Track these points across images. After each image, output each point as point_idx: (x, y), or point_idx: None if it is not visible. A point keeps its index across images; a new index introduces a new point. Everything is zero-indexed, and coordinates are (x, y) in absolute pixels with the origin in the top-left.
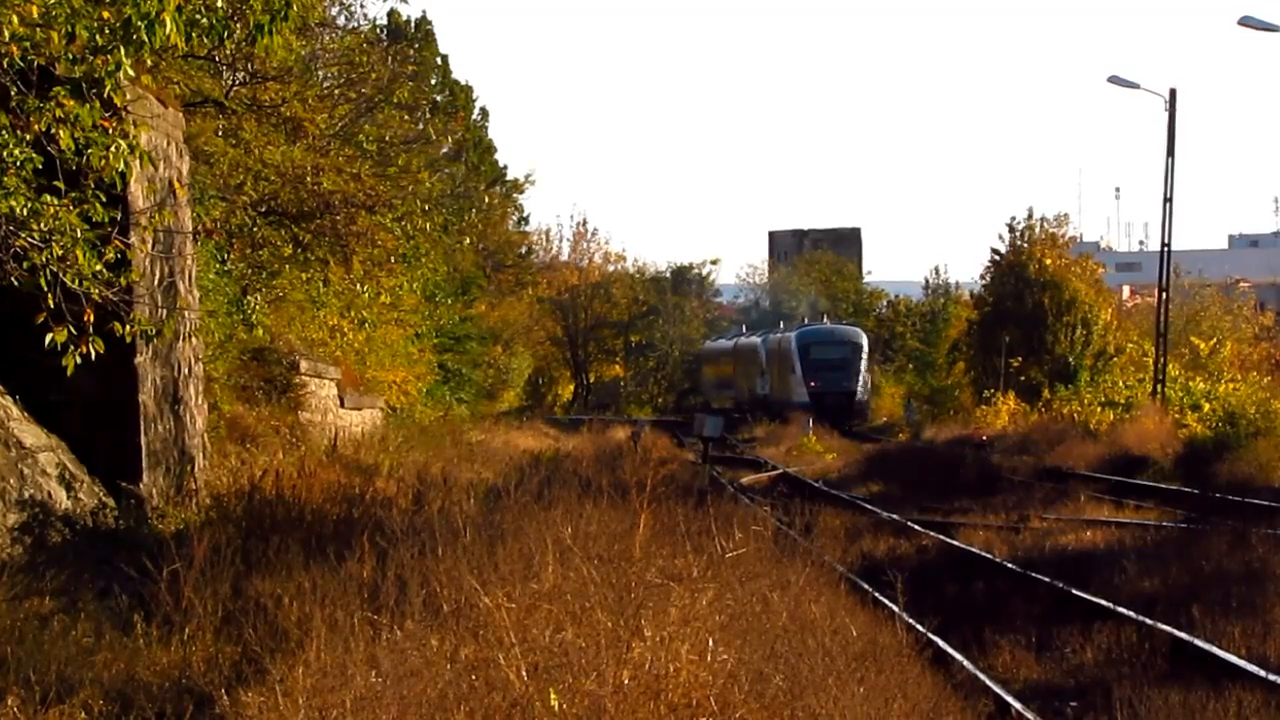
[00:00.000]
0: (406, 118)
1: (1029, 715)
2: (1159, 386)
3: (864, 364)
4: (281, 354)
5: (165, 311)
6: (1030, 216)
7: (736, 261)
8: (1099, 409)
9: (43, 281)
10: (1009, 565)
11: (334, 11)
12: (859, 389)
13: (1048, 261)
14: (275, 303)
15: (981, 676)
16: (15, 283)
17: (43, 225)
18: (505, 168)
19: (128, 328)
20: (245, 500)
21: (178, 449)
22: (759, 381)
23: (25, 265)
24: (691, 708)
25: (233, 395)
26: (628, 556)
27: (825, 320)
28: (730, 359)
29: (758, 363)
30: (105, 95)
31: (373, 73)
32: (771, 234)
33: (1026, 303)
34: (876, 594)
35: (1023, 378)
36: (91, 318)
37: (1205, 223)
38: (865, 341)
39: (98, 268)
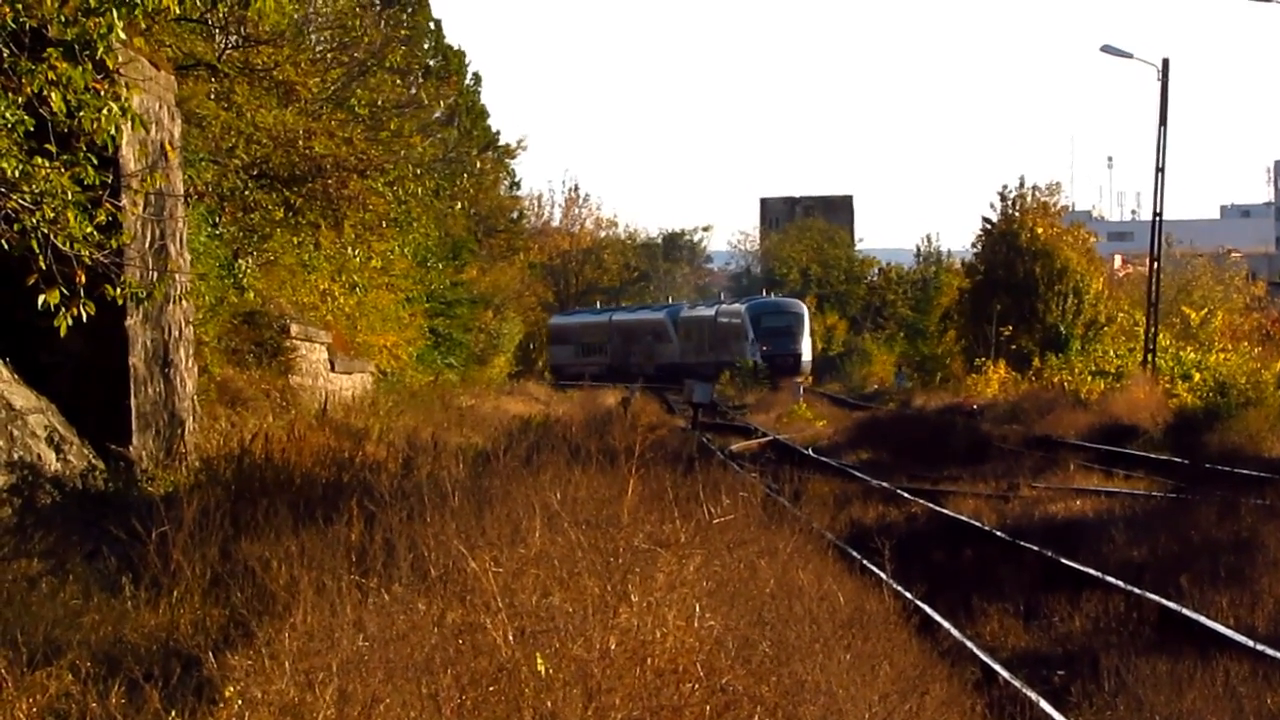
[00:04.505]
0: (399, 82)
1: (1015, 683)
2: (1150, 356)
3: (806, 331)
4: (272, 317)
5: (156, 274)
6: (1022, 185)
7: (728, 228)
8: (1089, 378)
9: (34, 244)
10: (998, 533)
11: None
12: (803, 352)
13: (1039, 230)
14: (266, 266)
15: (968, 644)
16: (6, 245)
17: (34, 187)
18: (497, 133)
19: (118, 290)
20: (234, 463)
21: (168, 412)
22: (660, 349)
23: (16, 227)
24: (678, 673)
25: (223, 358)
26: (615, 522)
27: (768, 295)
28: (606, 332)
29: (659, 334)
30: (97, 58)
31: (365, 37)
32: (763, 201)
33: (1018, 271)
34: (864, 561)
35: (1014, 346)
36: (83, 280)
37: (1197, 192)
38: (806, 312)
39: (89, 230)
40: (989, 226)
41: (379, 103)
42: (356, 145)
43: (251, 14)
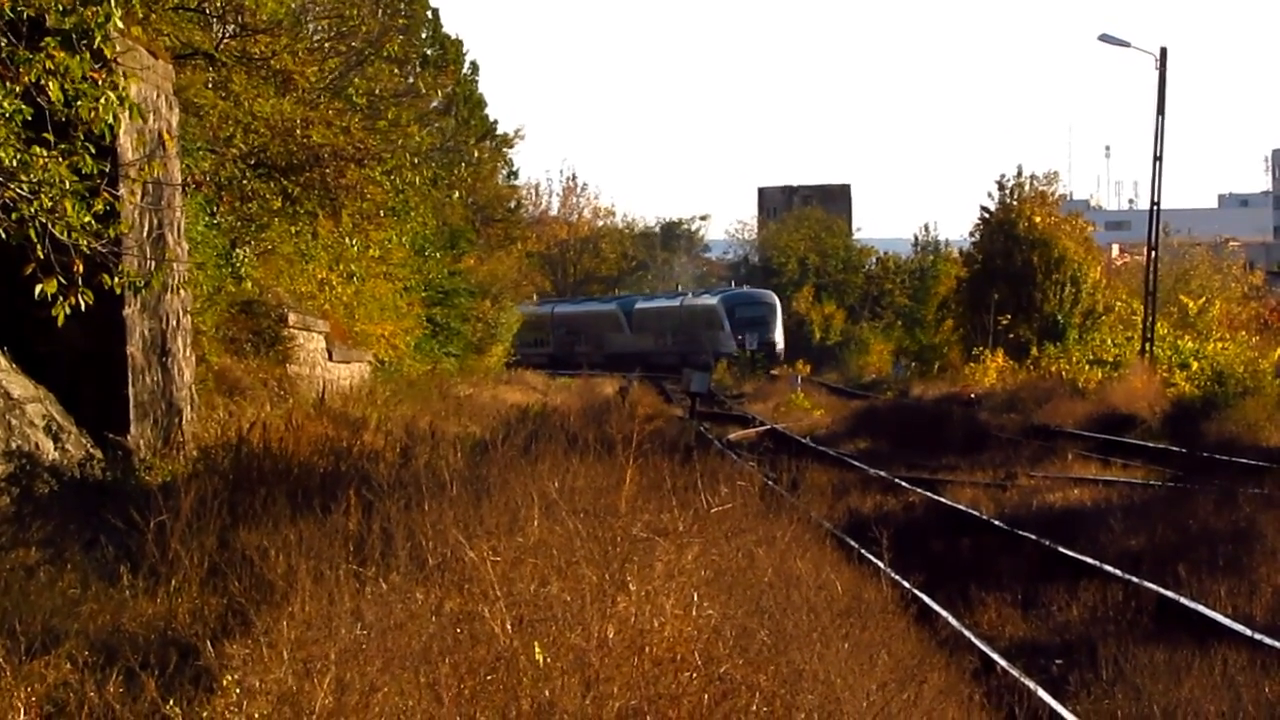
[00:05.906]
0: (396, 71)
1: (1014, 672)
2: (1147, 345)
3: (779, 321)
4: (270, 307)
5: (154, 263)
6: (1020, 174)
7: (726, 217)
8: (1087, 367)
9: (32, 233)
10: (996, 523)
11: None
12: (777, 341)
13: (1037, 219)
14: (264, 255)
15: (966, 633)
16: (4, 234)
17: (32, 177)
18: (495, 122)
19: (116, 279)
20: (232, 452)
21: (165, 401)
22: (611, 339)
23: (14, 216)
24: (675, 662)
25: (221, 348)
26: (613, 511)
27: (734, 286)
28: (546, 325)
29: (610, 324)
30: (95, 47)
31: (363, 26)
32: (761, 190)
33: (1015, 261)
34: (862, 550)
35: (1011, 335)
36: (80, 269)
37: (1195, 181)
38: (778, 302)
39: (86, 219)
40: (987, 216)
41: (377, 92)
42: (354, 134)
43: (249, 3)
